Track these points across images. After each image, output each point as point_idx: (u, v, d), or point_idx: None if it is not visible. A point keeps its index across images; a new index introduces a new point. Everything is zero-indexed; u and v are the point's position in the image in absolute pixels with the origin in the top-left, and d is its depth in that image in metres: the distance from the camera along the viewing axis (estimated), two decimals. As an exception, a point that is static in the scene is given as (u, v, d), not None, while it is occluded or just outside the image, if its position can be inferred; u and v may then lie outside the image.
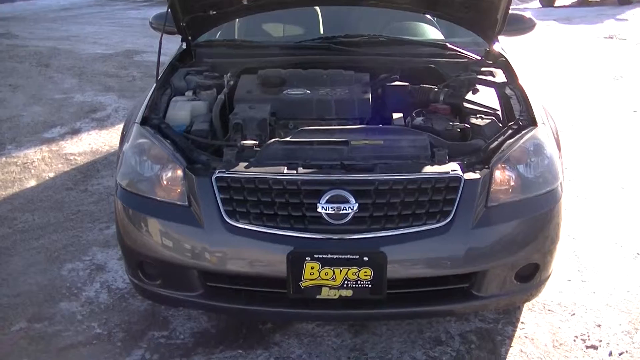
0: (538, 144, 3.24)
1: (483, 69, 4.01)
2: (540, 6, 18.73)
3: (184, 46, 4.31)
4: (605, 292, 3.92)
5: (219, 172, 2.98)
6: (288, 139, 3.16)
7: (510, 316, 3.65)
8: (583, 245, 4.48)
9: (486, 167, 3.07)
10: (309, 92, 3.68)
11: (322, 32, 4.84)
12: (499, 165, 3.09)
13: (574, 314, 3.70)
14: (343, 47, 4.22)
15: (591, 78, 9.45)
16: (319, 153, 3.08)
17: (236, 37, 4.93)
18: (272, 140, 3.16)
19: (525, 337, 3.50)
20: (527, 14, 4.83)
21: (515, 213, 3.07)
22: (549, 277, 3.30)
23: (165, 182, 3.13)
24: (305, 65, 4.00)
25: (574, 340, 3.48)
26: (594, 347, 3.43)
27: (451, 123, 3.38)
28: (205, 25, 4.23)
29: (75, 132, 7.22)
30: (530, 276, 3.19)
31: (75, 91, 8.99)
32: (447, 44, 4.25)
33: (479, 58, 4.18)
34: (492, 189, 3.04)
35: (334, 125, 3.55)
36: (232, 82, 3.81)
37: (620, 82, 9.23)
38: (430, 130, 3.31)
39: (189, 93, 3.75)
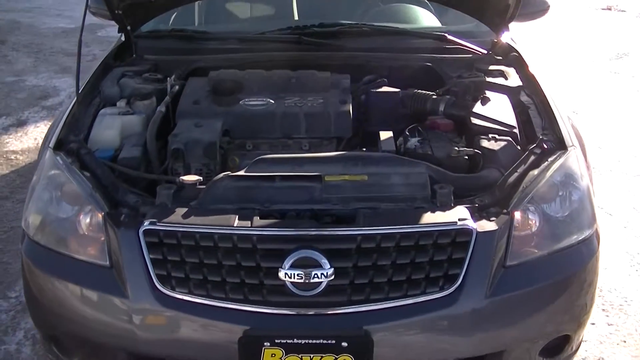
0: (569, 175, 2.51)
1: (491, 67, 3.24)
2: (530, -26, 17.87)
3: (123, 38, 3.51)
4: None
5: (148, 223, 2.21)
6: (242, 172, 2.39)
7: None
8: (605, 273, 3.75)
9: (504, 211, 2.32)
10: (272, 101, 2.90)
11: (296, 15, 4.03)
12: (524, 207, 2.35)
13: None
14: (317, 39, 3.42)
15: (592, 57, 8.67)
16: (282, 194, 2.33)
17: (196, 19, 4.14)
18: (221, 175, 2.39)
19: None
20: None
21: (542, 273, 2.34)
22: (579, 345, 2.57)
23: (82, 231, 2.38)
24: (268, 64, 3.21)
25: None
26: None
27: (457, 148, 2.61)
28: (147, 12, 3.43)
29: (21, 124, 6.39)
30: (559, 349, 2.47)
31: (28, 73, 8.11)
32: (446, 34, 3.46)
33: (485, 52, 3.41)
34: (512, 242, 2.29)
35: (305, 147, 2.81)
36: (177, 88, 3.02)
37: (624, 61, 8.47)
38: (429, 158, 2.55)
39: (122, 103, 2.95)
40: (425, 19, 4.02)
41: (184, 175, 2.52)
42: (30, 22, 11.29)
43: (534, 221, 2.37)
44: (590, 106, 6.64)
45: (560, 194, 2.45)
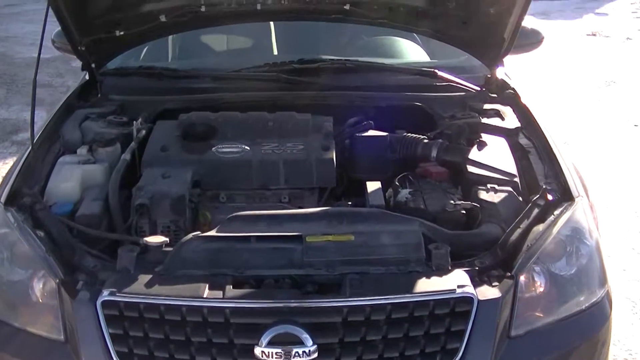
0: (577, 230, 2.27)
1: (486, 106, 3.00)
2: (514, -1, 17.63)
3: (87, 76, 3.25)
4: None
5: (107, 293, 1.94)
6: (213, 232, 2.13)
7: None
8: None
9: (508, 274, 2.07)
10: (247, 148, 2.64)
11: (275, 49, 3.78)
12: (529, 268, 2.11)
13: None
14: (296, 77, 3.17)
15: (581, 85, 8.48)
16: (258, 257, 2.07)
17: (170, 53, 3.88)
18: (189, 236, 2.12)
19: None
20: (531, 25, 3.79)
21: (551, 342, 2.10)
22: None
23: (35, 299, 2.12)
24: (244, 104, 2.95)
25: None
26: None
27: (452, 201, 2.36)
28: (113, 48, 3.17)
29: (-11, 160, 6.11)
30: None
31: (-1, 105, 7.86)
32: (436, 70, 3.21)
33: (479, 89, 3.17)
34: (517, 309, 2.04)
35: (284, 198, 2.56)
36: (143, 132, 2.75)
37: (613, 89, 8.30)
38: (422, 213, 2.30)
39: (83, 150, 2.68)
40: (413, 52, 3.78)
41: (150, 233, 2.28)
42: (3, 52, 11.02)
43: (539, 283, 2.13)
44: (581, 137, 6.43)
45: (567, 249, 2.21)
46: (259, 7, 3.00)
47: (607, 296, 2.24)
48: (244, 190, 2.57)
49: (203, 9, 2.97)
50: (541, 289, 2.13)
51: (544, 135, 2.69)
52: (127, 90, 3.20)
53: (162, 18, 2.98)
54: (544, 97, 7.71)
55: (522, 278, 2.08)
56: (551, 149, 2.60)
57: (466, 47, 3.23)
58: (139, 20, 3.01)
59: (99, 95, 3.17)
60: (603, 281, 2.25)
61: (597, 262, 2.26)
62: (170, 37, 3.84)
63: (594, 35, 11.77)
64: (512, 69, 3.44)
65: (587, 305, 2.17)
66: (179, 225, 2.35)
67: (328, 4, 3.03)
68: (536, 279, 2.13)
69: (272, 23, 3.82)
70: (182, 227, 2.35)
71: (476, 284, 2.02)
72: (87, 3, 2.88)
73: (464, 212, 2.33)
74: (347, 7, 3.00)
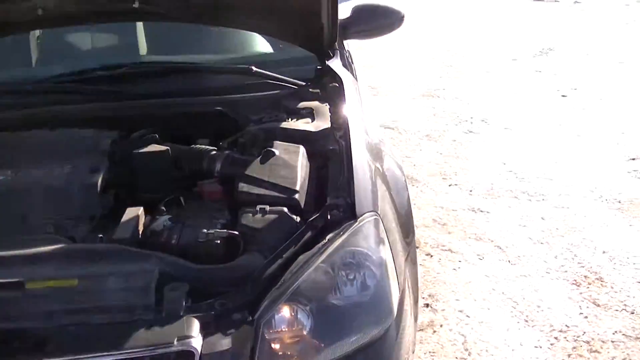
0: (356, 253, 1.91)
1: (302, 104, 2.67)
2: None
3: None
4: None
5: None
6: None
7: None
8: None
9: (249, 319, 1.75)
10: (11, 173, 2.31)
11: (144, 47, 3.45)
12: (279, 309, 1.77)
13: None
14: (96, 86, 2.82)
15: (517, 54, 8.17)
16: None
17: (33, 54, 3.52)
18: None
19: None
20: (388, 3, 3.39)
21: None
22: None
23: None
24: (31, 121, 2.62)
25: None
26: None
27: (205, 230, 2.02)
28: None
29: None
30: None
31: None
32: (253, 67, 2.82)
33: (302, 84, 2.84)
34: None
35: (49, 230, 2.19)
36: None
37: (549, 57, 7.98)
38: (170, 247, 1.98)
39: None
40: (259, 44, 3.42)
41: None
42: None
43: (300, 322, 1.78)
44: (504, 111, 6.13)
45: (342, 277, 1.85)
46: (40, 12, 2.66)
47: (396, 325, 1.90)
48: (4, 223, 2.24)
49: None
50: (302, 330, 1.79)
51: (349, 137, 2.33)
52: None
53: None
54: (474, 69, 7.43)
55: (276, 317, 1.77)
56: (351, 153, 2.24)
57: (287, 39, 2.89)
58: None
59: None
60: (388, 313, 1.91)
61: (382, 293, 1.92)
62: (33, 37, 3.50)
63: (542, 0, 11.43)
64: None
65: (365, 342, 1.84)
66: None
67: (116, 4, 2.69)
68: (299, 316, 1.80)
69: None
70: None
71: (211, 332, 1.71)
72: None
73: (218, 242, 2.01)
74: (135, 5, 2.66)
